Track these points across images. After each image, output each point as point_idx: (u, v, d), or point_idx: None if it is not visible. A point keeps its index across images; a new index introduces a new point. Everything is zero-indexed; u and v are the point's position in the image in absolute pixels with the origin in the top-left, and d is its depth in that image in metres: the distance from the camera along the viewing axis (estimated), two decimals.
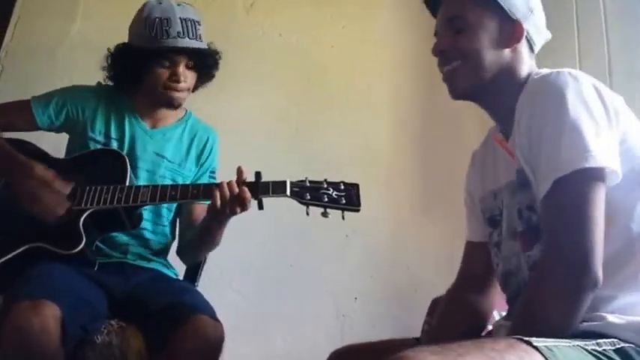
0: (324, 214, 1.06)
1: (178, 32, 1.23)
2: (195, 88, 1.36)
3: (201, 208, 1.29)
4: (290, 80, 2.00)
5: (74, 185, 1.16)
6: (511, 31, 0.86)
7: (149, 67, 1.25)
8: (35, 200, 1.11)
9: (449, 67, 0.88)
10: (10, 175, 1.16)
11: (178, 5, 1.28)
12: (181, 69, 1.26)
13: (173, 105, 1.30)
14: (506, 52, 0.86)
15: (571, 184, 0.72)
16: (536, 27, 0.89)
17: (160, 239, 1.32)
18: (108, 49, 1.33)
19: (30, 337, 0.92)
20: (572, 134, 0.72)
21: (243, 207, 1.09)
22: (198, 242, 1.26)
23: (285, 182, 1.08)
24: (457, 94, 0.89)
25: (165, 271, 1.31)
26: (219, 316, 1.11)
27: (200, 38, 1.27)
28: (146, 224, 1.28)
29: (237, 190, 1.08)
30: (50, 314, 0.95)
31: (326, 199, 1.06)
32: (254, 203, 1.09)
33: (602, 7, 1.63)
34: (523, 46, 0.88)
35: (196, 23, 1.27)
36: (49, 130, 1.32)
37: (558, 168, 0.72)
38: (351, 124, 2.04)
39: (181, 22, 1.24)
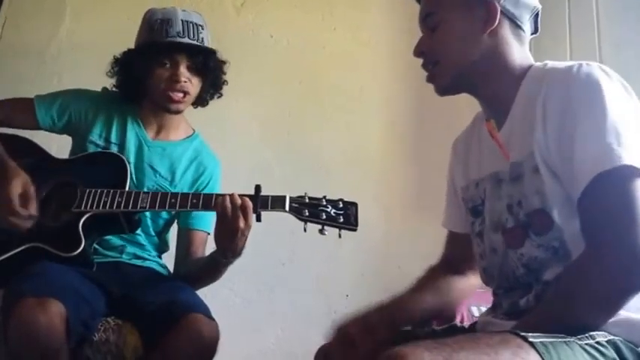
0: (321, 232, 1.07)
1: (178, 32, 1.23)
2: (204, 99, 1.34)
3: (200, 238, 1.29)
4: (281, 82, 1.99)
5: (72, 187, 1.16)
6: (484, 13, 0.83)
7: (150, 68, 1.24)
8: (8, 214, 1.08)
9: (429, 69, 0.89)
10: None
11: (183, 11, 1.27)
12: (182, 69, 1.24)
13: (171, 108, 1.27)
14: (485, 37, 0.84)
15: (615, 179, 0.69)
16: (515, 0, 0.85)
17: (154, 241, 1.32)
18: (114, 56, 1.31)
19: (37, 334, 0.92)
20: (613, 131, 0.71)
21: (246, 217, 1.07)
22: (200, 274, 1.25)
23: (284, 197, 1.08)
24: (441, 91, 0.90)
25: (160, 270, 1.31)
26: (213, 314, 1.12)
27: (202, 41, 1.26)
28: (142, 229, 1.27)
29: (239, 201, 1.07)
30: (56, 311, 0.95)
31: (324, 217, 1.06)
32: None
33: (594, 7, 1.63)
34: (503, 27, 0.84)
35: (199, 27, 1.26)
36: (50, 130, 1.30)
37: (602, 163, 0.70)
38: (343, 125, 2.05)
39: (182, 24, 1.24)
